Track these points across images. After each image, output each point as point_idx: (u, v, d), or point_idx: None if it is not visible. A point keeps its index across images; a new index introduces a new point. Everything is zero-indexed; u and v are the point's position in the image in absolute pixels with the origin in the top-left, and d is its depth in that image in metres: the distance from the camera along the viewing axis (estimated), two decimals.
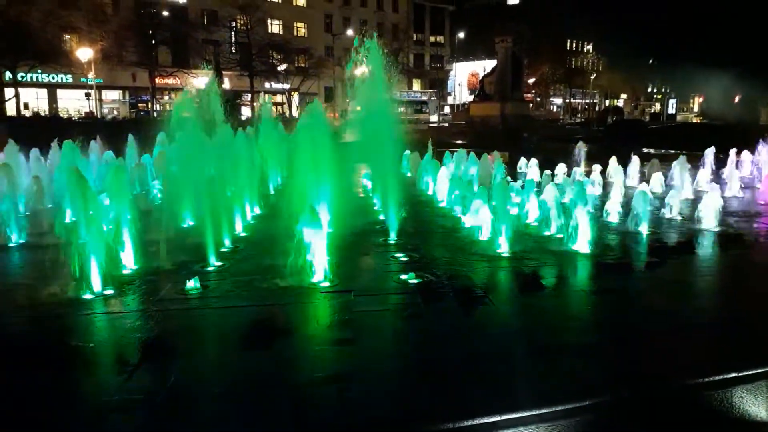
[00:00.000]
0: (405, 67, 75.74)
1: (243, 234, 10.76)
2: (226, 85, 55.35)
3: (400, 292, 7.49)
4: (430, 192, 15.98)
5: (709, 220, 11.24)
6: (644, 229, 10.80)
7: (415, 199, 14.40)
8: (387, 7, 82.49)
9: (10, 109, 44.39)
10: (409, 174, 19.06)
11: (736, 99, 75.42)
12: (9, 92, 44.17)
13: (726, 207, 12.48)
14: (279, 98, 66.98)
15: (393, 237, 10.27)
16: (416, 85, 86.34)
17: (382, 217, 11.65)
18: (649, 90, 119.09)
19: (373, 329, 6.30)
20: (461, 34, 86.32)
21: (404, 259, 9.01)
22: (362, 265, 8.71)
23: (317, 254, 7.58)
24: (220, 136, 12.91)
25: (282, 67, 61.83)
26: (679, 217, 12.16)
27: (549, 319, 6.69)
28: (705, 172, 16.72)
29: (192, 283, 7.40)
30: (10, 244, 9.98)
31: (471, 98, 63.51)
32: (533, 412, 4.54)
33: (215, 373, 5.29)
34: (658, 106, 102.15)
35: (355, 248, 9.60)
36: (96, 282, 7.16)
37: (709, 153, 18.57)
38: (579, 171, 16.51)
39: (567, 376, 5.19)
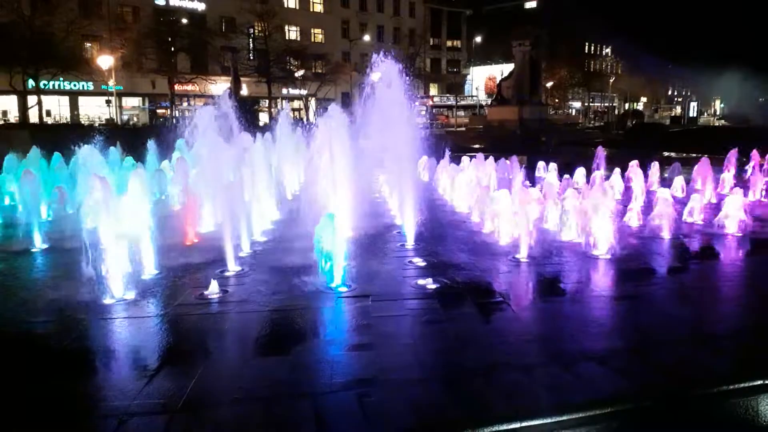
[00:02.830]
0: (422, 72, 75.72)
1: (262, 239, 10.80)
2: (245, 91, 55.73)
3: (418, 297, 7.46)
4: (447, 197, 15.93)
5: (732, 224, 11.05)
6: (665, 233, 10.65)
7: (432, 204, 14.35)
8: (403, 12, 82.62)
9: (33, 116, 45.16)
10: (426, 179, 19.02)
11: (760, 101, 74.31)
12: (32, 99, 44.95)
13: (749, 211, 12.26)
14: (296, 104, 67.36)
15: (410, 242, 10.24)
16: (433, 90, 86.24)
17: (399, 222, 11.63)
18: (670, 93, 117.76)
19: (392, 334, 6.27)
20: (478, 38, 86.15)
21: (422, 263, 8.97)
22: (380, 270, 8.67)
23: (335, 259, 7.58)
24: (240, 143, 13.00)
25: (299, 73, 62.15)
26: (701, 222, 11.97)
27: (569, 325, 6.61)
28: (728, 176, 16.45)
29: (211, 288, 7.44)
30: (33, 249, 10.13)
31: (488, 102, 63.38)
32: (554, 419, 4.48)
33: (234, 378, 5.30)
34: (678, 110, 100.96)
35: (373, 253, 9.58)
36: (117, 286, 7.22)
37: (732, 156, 18.26)
38: (599, 175, 16.33)
39: (588, 382, 5.12)
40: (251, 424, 4.48)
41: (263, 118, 57.02)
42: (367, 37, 71.47)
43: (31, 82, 43.90)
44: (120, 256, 7.27)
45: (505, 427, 4.36)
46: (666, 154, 25.34)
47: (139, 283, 7.72)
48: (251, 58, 62.05)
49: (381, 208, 14.09)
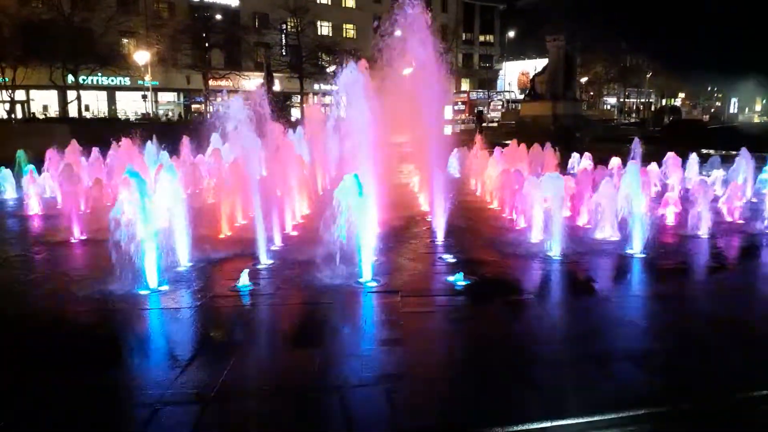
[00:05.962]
0: (454, 67, 75.13)
1: (292, 233, 10.87)
2: (277, 86, 56.19)
3: (447, 294, 7.41)
4: (478, 192, 15.82)
5: None
6: (703, 231, 10.39)
7: (463, 199, 14.25)
8: (436, 7, 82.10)
9: (72, 111, 46.41)
10: (457, 173, 18.91)
11: None
12: (71, 94, 46.17)
13: None
14: (328, 99, 67.60)
15: (440, 237, 10.19)
16: (465, 85, 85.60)
17: (429, 218, 11.58)
18: (709, 89, 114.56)
19: (421, 331, 6.26)
20: (511, 33, 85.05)
21: (452, 260, 8.91)
22: (409, 266, 8.66)
23: (364, 254, 7.59)
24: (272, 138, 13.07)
25: (331, 69, 62.39)
26: (740, 220, 11.64)
27: (602, 325, 6.50)
28: None
29: (242, 281, 7.52)
30: (73, 241, 10.39)
31: (521, 98, 62.74)
32: (585, 420, 4.40)
33: (264, 370, 5.35)
34: (718, 105, 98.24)
35: (403, 248, 9.57)
36: (151, 278, 7.36)
37: None
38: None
39: (621, 383, 5.03)
40: (281, 416, 4.51)
41: (295, 113, 57.49)
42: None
43: (70, 78, 45.09)
44: (154, 248, 7.39)
45: (535, 426, 4.31)
46: (705, 151, 24.66)
47: (173, 274, 7.84)
48: (284, 53, 62.56)
49: (411, 202, 14.04)
